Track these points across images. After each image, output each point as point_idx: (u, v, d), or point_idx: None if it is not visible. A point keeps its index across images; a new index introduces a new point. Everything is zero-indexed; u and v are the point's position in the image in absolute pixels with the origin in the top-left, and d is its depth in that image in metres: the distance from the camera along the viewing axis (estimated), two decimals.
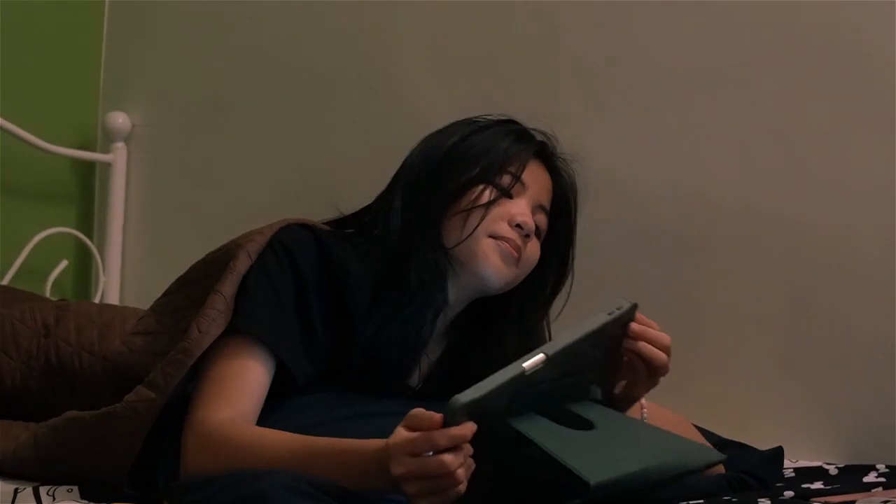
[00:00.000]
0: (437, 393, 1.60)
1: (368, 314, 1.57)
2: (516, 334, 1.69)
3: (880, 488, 1.73)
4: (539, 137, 1.71)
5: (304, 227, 1.62)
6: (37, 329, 1.88)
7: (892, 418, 2.01)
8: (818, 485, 1.76)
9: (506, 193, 1.62)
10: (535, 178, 1.66)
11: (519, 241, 1.61)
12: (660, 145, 2.27)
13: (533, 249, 1.65)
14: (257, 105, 2.66)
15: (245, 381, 1.48)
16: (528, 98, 2.38)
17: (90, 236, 2.75)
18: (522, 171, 1.64)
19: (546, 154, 1.70)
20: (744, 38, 2.21)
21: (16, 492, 1.42)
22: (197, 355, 1.50)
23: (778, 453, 1.80)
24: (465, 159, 1.64)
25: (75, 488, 1.43)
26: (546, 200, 1.67)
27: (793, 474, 1.85)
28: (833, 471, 1.87)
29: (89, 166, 2.78)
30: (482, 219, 1.60)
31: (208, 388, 1.48)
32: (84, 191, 2.79)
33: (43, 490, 1.40)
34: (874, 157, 2.09)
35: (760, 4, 2.19)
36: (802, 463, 1.94)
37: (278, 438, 1.41)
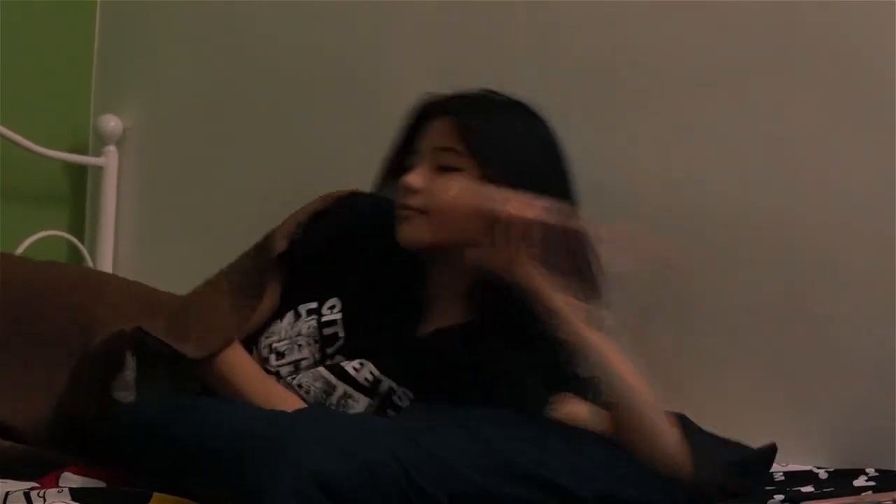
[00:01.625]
0: (446, 349, 1.73)
1: None
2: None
3: (870, 492, 1.74)
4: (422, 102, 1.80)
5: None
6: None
7: (881, 422, 2.02)
8: (808, 488, 1.76)
9: (398, 172, 1.76)
10: (427, 134, 1.75)
11: (405, 200, 1.72)
12: (655, 147, 2.27)
13: (441, 189, 1.70)
14: (249, 108, 2.66)
15: None
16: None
17: (81, 239, 2.74)
18: (404, 144, 1.79)
19: (432, 107, 1.77)
20: (740, 40, 2.21)
21: (7, 494, 1.43)
22: None
23: (767, 453, 1.80)
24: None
25: (66, 489, 1.43)
26: (445, 139, 1.72)
27: (783, 478, 1.86)
28: (823, 475, 1.87)
29: (81, 169, 2.78)
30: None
31: None
32: (76, 194, 2.79)
33: (34, 493, 1.41)
34: (871, 158, 2.09)
35: (757, 5, 2.19)
36: (793, 467, 1.94)
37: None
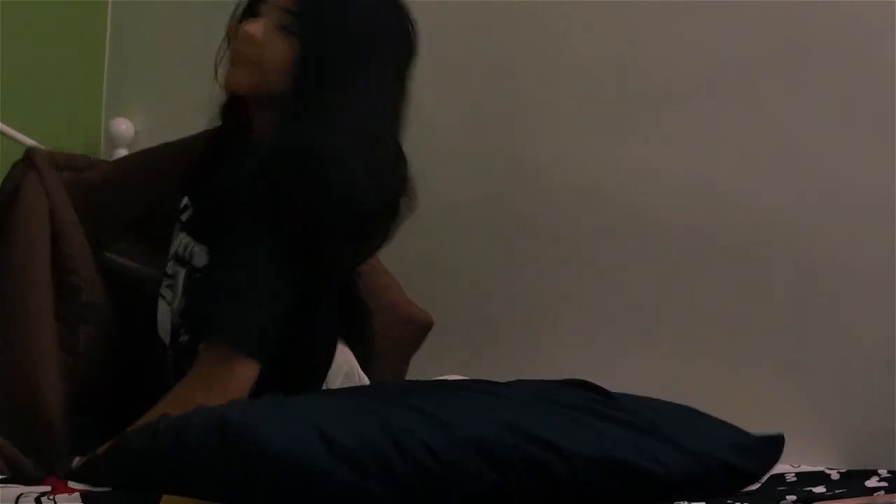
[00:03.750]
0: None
1: None
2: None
3: (882, 492, 1.73)
4: None
5: None
6: None
7: (893, 423, 2.01)
8: (820, 489, 1.76)
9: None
10: None
11: (243, 46, 1.78)
12: (662, 150, 2.27)
13: (272, 48, 1.75)
14: None
15: None
16: (530, 103, 2.39)
17: None
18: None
19: None
20: (746, 43, 2.21)
21: (19, 497, 1.43)
22: None
23: (776, 440, 1.77)
24: None
25: (77, 493, 1.43)
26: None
27: (795, 479, 1.85)
28: (835, 475, 1.87)
29: None
30: None
31: None
32: None
33: (45, 498, 1.41)
34: (876, 161, 2.10)
35: (762, 9, 2.19)
36: (805, 468, 1.94)
37: None
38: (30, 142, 2.52)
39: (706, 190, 2.22)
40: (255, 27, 1.76)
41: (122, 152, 2.73)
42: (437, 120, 2.47)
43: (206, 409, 1.43)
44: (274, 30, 1.75)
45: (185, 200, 1.84)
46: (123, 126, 2.73)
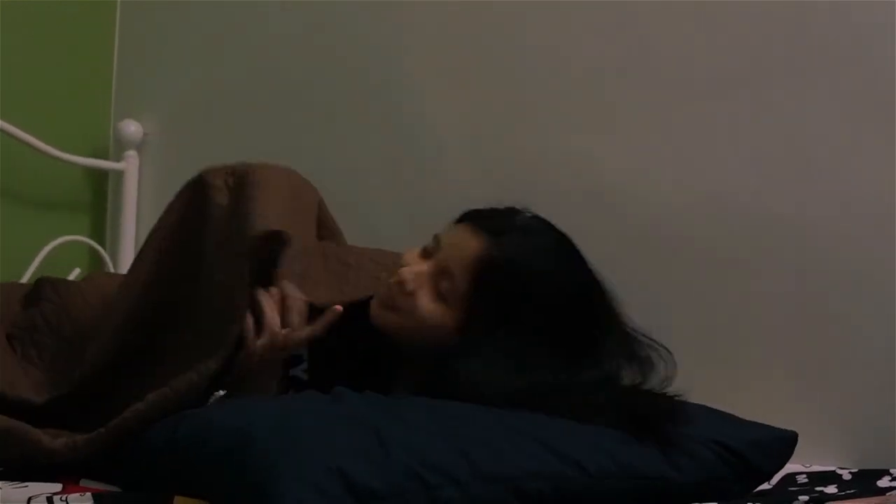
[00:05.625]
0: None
1: None
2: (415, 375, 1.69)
3: (894, 492, 1.73)
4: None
5: None
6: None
7: None
8: (832, 489, 1.75)
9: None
10: (453, 242, 1.68)
11: (392, 291, 1.68)
12: (668, 151, 2.26)
13: (421, 304, 1.66)
14: (269, 113, 2.66)
15: None
16: (537, 105, 2.39)
17: (102, 244, 2.76)
18: (441, 234, 1.70)
19: (479, 219, 1.71)
20: (752, 44, 2.21)
21: (29, 500, 1.43)
22: None
23: (789, 436, 1.73)
24: None
25: (88, 494, 1.43)
26: (456, 265, 1.65)
27: (806, 480, 1.85)
28: (846, 475, 1.86)
29: (102, 175, 2.79)
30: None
31: None
32: (96, 199, 2.80)
33: (56, 497, 1.41)
34: (883, 162, 2.08)
35: (769, 10, 2.19)
36: (816, 468, 1.94)
37: None
38: (38, 144, 2.53)
39: (712, 191, 2.21)
40: (411, 274, 1.68)
41: (132, 154, 2.74)
42: (439, 120, 2.47)
43: (227, 420, 1.41)
44: (433, 290, 1.67)
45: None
46: (132, 128, 2.73)
